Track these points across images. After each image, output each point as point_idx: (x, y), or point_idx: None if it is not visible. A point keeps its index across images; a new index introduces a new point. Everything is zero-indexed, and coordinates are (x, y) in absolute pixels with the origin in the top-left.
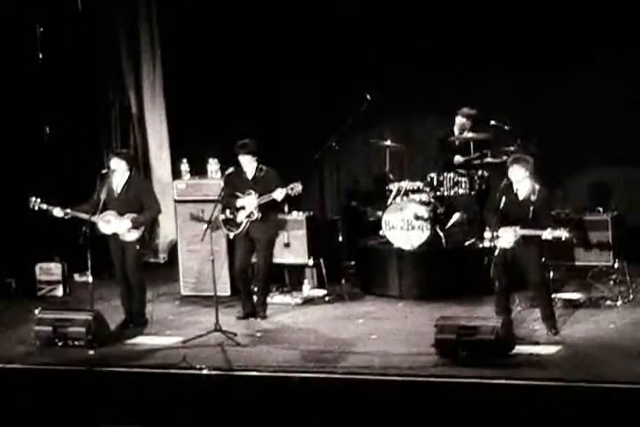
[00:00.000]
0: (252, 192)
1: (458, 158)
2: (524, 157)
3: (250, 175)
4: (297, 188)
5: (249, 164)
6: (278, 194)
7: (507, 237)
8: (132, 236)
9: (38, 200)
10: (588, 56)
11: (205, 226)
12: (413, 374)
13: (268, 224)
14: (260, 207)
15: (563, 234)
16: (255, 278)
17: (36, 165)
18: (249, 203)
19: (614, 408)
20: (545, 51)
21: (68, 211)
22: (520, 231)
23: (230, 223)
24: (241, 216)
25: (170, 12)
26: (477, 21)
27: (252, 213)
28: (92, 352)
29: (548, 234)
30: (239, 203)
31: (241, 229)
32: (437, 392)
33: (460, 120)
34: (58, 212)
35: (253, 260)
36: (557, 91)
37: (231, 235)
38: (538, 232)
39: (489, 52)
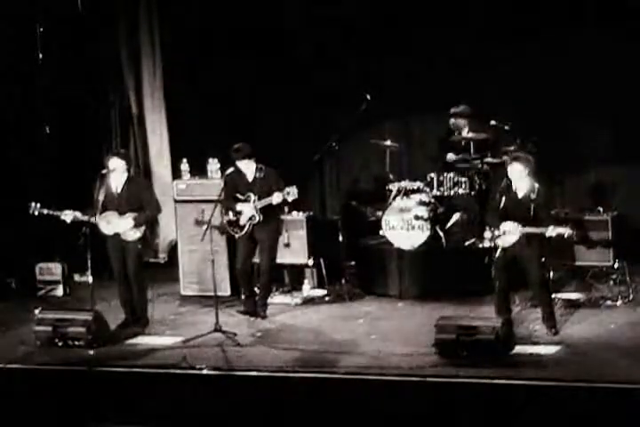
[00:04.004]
0: (251, 195)
1: (450, 156)
2: (524, 156)
3: (250, 177)
4: (292, 192)
5: (247, 167)
6: (275, 198)
7: (511, 233)
8: (134, 235)
9: (38, 205)
10: (588, 57)
11: (206, 226)
12: (413, 374)
13: (270, 225)
14: (261, 210)
15: (566, 231)
16: (257, 279)
17: (36, 166)
18: (249, 206)
19: (614, 408)
20: (546, 50)
21: (78, 215)
22: (523, 229)
23: (234, 225)
24: (243, 219)
25: (170, 11)
26: (477, 20)
27: (253, 216)
28: (91, 352)
29: (551, 231)
30: (239, 206)
31: (244, 231)
32: (437, 392)
33: (452, 120)
34: (66, 216)
35: (255, 260)
36: (558, 90)
37: (236, 236)
38: (541, 230)
39: (489, 52)
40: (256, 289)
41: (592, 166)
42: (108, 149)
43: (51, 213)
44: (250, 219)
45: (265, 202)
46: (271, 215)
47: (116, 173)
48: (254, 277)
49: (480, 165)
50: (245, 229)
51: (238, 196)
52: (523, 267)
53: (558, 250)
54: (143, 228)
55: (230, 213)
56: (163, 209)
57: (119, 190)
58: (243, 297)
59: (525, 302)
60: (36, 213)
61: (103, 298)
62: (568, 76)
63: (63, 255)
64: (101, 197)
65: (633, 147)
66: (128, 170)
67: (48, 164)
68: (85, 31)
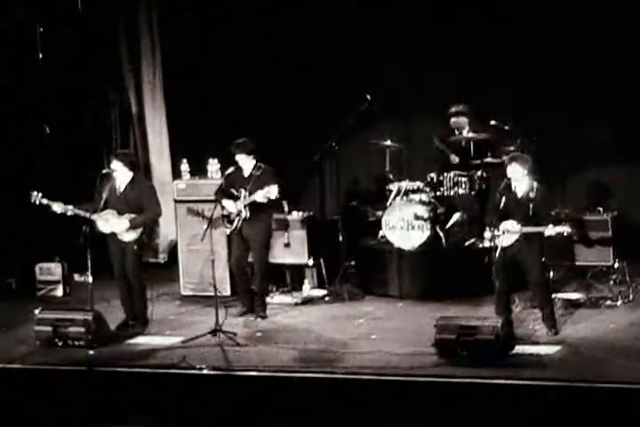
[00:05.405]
0: (242, 191)
1: (453, 158)
2: (521, 156)
3: (246, 174)
4: (272, 191)
5: (246, 163)
6: (258, 195)
7: (511, 232)
8: (130, 236)
9: (40, 195)
10: (588, 57)
11: (205, 226)
12: (413, 374)
13: (260, 224)
14: (250, 207)
15: (565, 229)
16: (253, 278)
17: (36, 165)
18: (238, 202)
19: (614, 408)
20: (545, 50)
21: (70, 207)
22: (522, 229)
23: (226, 220)
24: (233, 214)
25: (170, 11)
26: (478, 19)
27: (240, 211)
28: (92, 352)
29: (550, 230)
30: (229, 202)
31: (233, 226)
32: (437, 392)
33: (454, 119)
34: (58, 207)
35: (251, 259)
36: (558, 90)
37: (227, 231)
38: (540, 229)
39: (489, 51)
40: (253, 287)
41: (592, 166)
42: (109, 149)
43: (51, 204)
44: (238, 214)
45: (250, 199)
46: (261, 214)
47: (119, 173)
48: (250, 277)
49: (480, 166)
50: (234, 224)
51: (233, 191)
52: (523, 267)
53: (558, 250)
54: (140, 229)
55: (224, 209)
56: (163, 210)
57: (121, 191)
58: (240, 296)
59: (525, 302)
60: (37, 202)
61: (103, 298)
62: (568, 77)
63: (63, 255)
64: (105, 195)
65: (633, 147)
66: (133, 170)
67: (48, 163)
68: (85, 31)
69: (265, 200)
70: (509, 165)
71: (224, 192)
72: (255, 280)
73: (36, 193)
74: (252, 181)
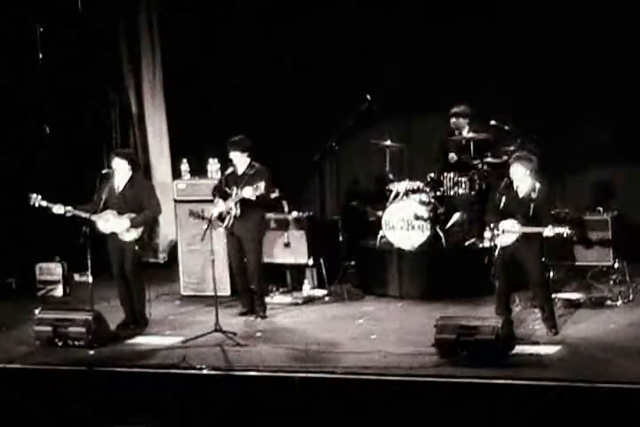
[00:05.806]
0: (235, 189)
1: (452, 156)
2: (526, 156)
3: (240, 172)
4: (260, 187)
5: (240, 161)
6: (246, 192)
7: (510, 231)
8: (131, 236)
9: (39, 197)
10: (588, 57)
11: (205, 225)
12: (413, 374)
13: (250, 223)
14: (240, 204)
15: (564, 230)
16: (252, 278)
17: (37, 165)
18: (229, 200)
19: (614, 408)
20: (545, 50)
21: (69, 208)
22: (521, 229)
23: (219, 218)
24: (224, 212)
25: (170, 11)
26: (478, 19)
27: (230, 208)
28: (92, 352)
29: (549, 231)
30: (219, 200)
31: (225, 223)
32: (437, 392)
33: (453, 120)
34: (58, 209)
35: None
36: (558, 90)
37: (219, 229)
38: (539, 229)
39: (489, 51)
40: (252, 287)
41: (592, 166)
42: (109, 149)
43: (50, 206)
44: (228, 212)
45: (239, 196)
46: (251, 213)
47: (119, 172)
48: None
49: (480, 165)
50: (225, 221)
51: (227, 190)
52: (523, 267)
53: (558, 250)
54: (140, 229)
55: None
56: (163, 209)
57: (120, 190)
58: (240, 296)
59: (525, 302)
60: (37, 204)
61: (103, 298)
62: (568, 77)
63: (63, 255)
64: (104, 196)
65: (633, 147)
66: (133, 169)
67: (48, 163)
68: (85, 31)
69: (254, 197)
70: (513, 165)
71: (220, 191)
72: (254, 280)
73: (35, 195)
74: (245, 180)
